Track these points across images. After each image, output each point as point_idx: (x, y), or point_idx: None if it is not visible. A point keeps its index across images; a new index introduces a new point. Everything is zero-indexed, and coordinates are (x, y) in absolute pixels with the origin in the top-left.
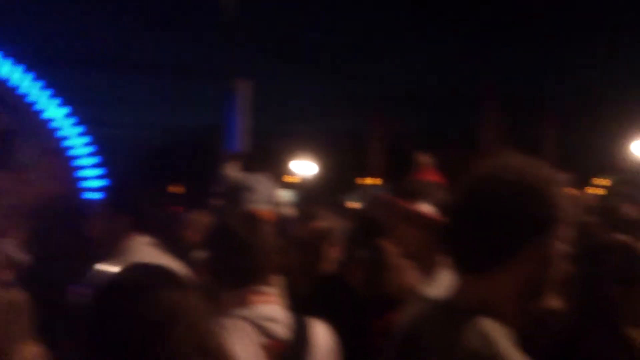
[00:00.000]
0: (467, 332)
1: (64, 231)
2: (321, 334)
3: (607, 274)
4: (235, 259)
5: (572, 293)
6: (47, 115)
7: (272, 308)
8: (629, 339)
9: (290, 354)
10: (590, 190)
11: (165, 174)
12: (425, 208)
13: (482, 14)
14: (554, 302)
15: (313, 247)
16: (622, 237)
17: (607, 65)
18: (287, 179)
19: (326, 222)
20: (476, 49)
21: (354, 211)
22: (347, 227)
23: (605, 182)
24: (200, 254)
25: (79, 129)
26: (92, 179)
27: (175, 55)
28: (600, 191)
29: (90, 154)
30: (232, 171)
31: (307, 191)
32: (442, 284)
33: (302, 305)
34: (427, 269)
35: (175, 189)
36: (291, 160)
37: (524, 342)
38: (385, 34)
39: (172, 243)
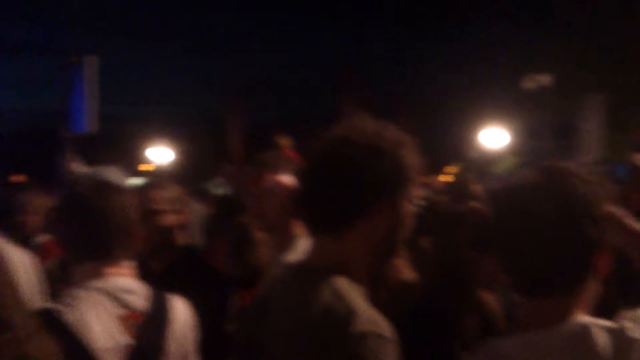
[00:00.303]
0: (320, 289)
1: None
2: (179, 308)
3: (461, 240)
4: (89, 230)
5: (428, 260)
6: None
7: (128, 280)
8: (482, 302)
9: (148, 326)
10: (442, 178)
11: (4, 160)
12: (285, 178)
13: (341, 3)
14: (410, 275)
15: (157, 215)
16: (474, 204)
17: (458, 56)
18: (143, 167)
19: (168, 190)
20: (333, 36)
21: (215, 196)
22: (209, 212)
23: (454, 169)
24: (43, 238)
25: None
26: None
27: (13, 31)
28: (450, 179)
29: None
30: (79, 164)
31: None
32: (300, 250)
33: (157, 280)
34: (287, 238)
35: (17, 177)
36: (147, 147)
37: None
38: (244, 17)
39: (12, 229)
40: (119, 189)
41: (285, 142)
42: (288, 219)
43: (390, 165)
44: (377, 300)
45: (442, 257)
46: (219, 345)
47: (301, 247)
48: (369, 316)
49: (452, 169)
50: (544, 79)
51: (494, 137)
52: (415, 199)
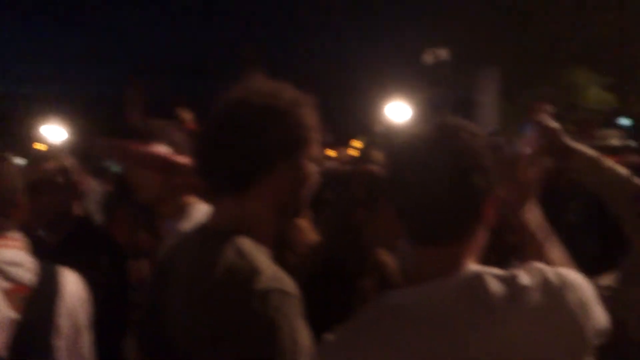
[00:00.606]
0: (223, 250)
1: None
2: (70, 282)
3: (352, 200)
4: None
5: (326, 222)
6: None
7: (13, 252)
8: (380, 262)
9: (35, 300)
10: (349, 152)
11: None
12: (160, 149)
13: None
14: (314, 237)
15: (52, 186)
16: (367, 166)
17: (362, 29)
18: (36, 145)
19: (63, 161)
20: (235, 13)
21: (114, 174)
22: (108, 190)
23: (361, 143)
24: None
25: None
26: None
27: None
28: (356, 152)
29: None
30: None
31: None
32: (196, 218)
33: (53, 252)
34: (177, 208)
35: None
36: (40, 125)
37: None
38: None
39: None
40: (1, 159)
41: (186, 115)
42: (174, 189)
43: (288, 125)
44: (283, 263)
45: (337, 219)
46: (119, 318)
47: (195, 214)
48: (272, 273)
49: (359, 142)
50: (443, 54)
51: (398, 111)
52: (317, 158)
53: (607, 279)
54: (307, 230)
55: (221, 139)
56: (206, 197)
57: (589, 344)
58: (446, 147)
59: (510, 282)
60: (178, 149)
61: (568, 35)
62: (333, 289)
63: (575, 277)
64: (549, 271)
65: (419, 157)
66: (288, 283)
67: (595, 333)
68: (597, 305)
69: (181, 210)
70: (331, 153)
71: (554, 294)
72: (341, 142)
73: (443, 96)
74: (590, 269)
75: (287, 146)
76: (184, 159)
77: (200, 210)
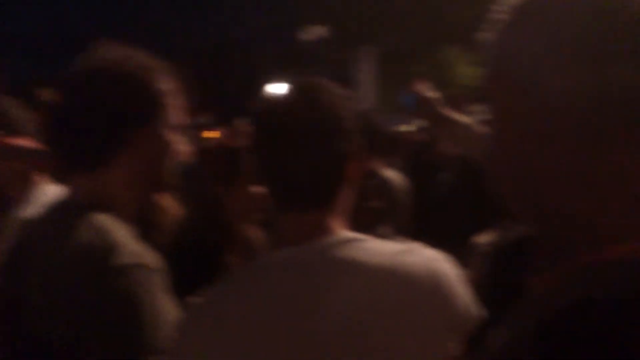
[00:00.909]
0: (79, 227)
1: None
2: None
3: (209, 174)
4: None
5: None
6: None
7: None
8: (243, 235)
9: None
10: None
11: None
12: None
13: None
14: (179, 211)
15: None
16: (228, 142)
17: (242, 10)
18: None
19: None
20: None
21: None
22: None
23: (244, 124)
24: None
25: None
26: None
27: None
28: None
29: None
30: None
31: None
32: (42, 200)
33: None
34: (24, 192)
35: None
36: None
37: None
38: None
39: None
40: None
41: (48, 96)
42: (15, 172)
43: (137, 91)
44: (147, 238)
45: (196, 195)
46: None
47: (40, 196)
48: (132, 249)
49: (242, 124)
50: (320, 31)
51: (278, 90)
52: (180, 125)
53: (485, 237)
54: (173, 205)
55: (67, 113)
56: (59, 176)
57: (457, 326)
58: (308, 109)
59: (380, 249)
60: (16, 131)
61: (441, 15)
62: (198, 266)
63: (446, 257)
64: (424, 247)
65: (281, 123)
66: (150, 258)
67: (464, 317)
68: (468, 291)
69: (27, 194)
70: (211, 134)
71: (426, 266)
72: (222, 123)
73: (321, 74)
74: (464, 237)
75: (139, 114)
76: (17, 141)
77: (47, 192)
